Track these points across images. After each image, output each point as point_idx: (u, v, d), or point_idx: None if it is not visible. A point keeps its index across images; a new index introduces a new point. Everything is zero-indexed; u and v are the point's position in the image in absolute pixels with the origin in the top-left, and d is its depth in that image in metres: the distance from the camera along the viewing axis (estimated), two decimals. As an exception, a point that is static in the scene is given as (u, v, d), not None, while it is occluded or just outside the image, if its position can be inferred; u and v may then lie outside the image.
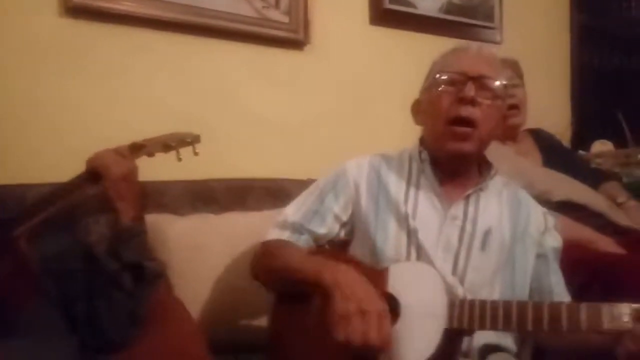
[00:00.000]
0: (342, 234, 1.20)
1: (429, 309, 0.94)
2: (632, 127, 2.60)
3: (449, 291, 0.98)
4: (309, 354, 1.01)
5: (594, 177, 1.95)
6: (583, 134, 2.82)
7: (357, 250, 1.17)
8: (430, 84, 1.18)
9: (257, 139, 1.80)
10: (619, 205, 1.82)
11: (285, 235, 1.17)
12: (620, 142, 2.61)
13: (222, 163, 1.67)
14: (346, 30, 2.03)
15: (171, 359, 0.97)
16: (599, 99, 2.91)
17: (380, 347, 0.89)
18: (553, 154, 1.94)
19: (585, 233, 1.62)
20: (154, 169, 1.47)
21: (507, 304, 0.91)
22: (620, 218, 1.72)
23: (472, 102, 1.09)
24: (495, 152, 1.84)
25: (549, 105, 2.76)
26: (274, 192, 1.63)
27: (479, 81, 1.10)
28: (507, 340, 1.11)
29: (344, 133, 1.96)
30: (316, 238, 1.18)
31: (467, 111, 1.09)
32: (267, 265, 1.15)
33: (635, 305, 0.82)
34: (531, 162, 1.89)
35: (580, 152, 2.61)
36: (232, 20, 1.74)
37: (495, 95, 1.12)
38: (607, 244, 1.57)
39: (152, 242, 1.31)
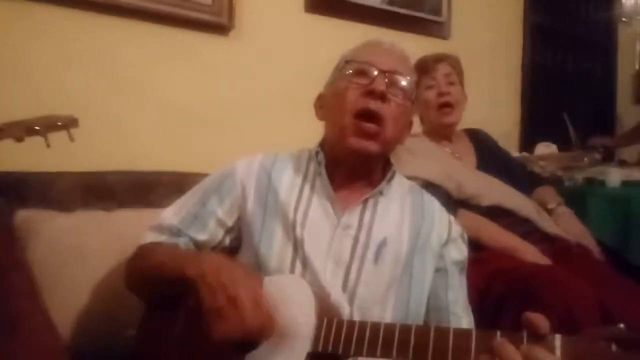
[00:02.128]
0: (227, 241, 1.08)
1: (295, 329, 0.84)
2: (579, 129, 2.56)
3: (327, 310, 0.88)
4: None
5: (528, 181, 1.90)
6: (531, 135, 2.79)
7: (242, 259, 1.05)
8: (337, 76, 1.07)
9: (168, 129, 1.67)
10: (549, 211, 1.76)
11: (162, 238, 1.06)
12: (566, 144, 2.57)
13: (126, 154, 1.55)
14: (277, 17, 1.91)
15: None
16: (548, 100, 2.88)
17: (261, 331, 0.80)
18: (488, 156, 1.87)
19: (510, 241, 1.56)
20: (40, 159, 1.35)
21: (374, 326, 0.80)
22: (549, 225, 1.66)
23: (382, 96, 0.99)
24: (427, 152, 1.77)
25: (498, 104, 2.71)
26: (184, 188, 1.49)
27: (391, 76, 1.01)
28: None
29: (269, 126, 1.84)
30: (197, 244, 1.06)
31: (375, 105, 0.99)
32: (137, 268, 1.02)
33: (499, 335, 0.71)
34: (465, 164, 1.81)
35: (525, 154, 2.56)
36: (146, -1, 1.59)
37: (405, 94, 1.04)
38: (530, 253, 1.51)
39: (24, 241, 1.18)
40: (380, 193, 1.07)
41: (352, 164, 1.06)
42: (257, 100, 1.83)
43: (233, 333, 0.78)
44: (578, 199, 2.04)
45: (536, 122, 2.82)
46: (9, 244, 1.13)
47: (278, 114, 1.87)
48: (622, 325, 0.67)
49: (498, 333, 0.71)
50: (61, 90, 1.45)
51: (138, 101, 1.61)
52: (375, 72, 1.00)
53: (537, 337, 0.68)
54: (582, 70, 3.21)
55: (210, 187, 1.09)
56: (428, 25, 2.39)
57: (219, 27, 1.75)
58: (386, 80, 1.00)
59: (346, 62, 1.06)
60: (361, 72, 1.02)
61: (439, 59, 1.83)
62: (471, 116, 1.96)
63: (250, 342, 0.81)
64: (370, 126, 0.99)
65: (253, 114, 1.83)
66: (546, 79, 2.95)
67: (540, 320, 0.68)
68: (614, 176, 2.17)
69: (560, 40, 3.10)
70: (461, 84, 1.86)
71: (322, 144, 1.10)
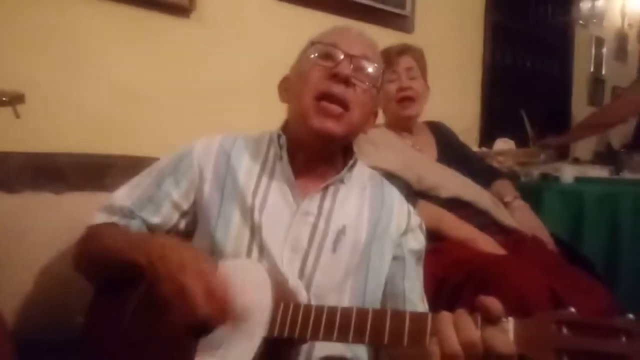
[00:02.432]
0: (182, 224, 1.05)
1: (250, 313, 0.81)
2: (535, 127, 2.63)
3: (284, 295, 0.86)
4: (130, 348, 0.87)
5: (487, 174, 1.93)
6: (490, 130, 2.84)
7: (197, 244, 1.01)
8: (302, 58, 1.05)
9: (123, 112, 1.60)
10: (506, 204, 1.80)
11: (113, 219, 1.02)
12: (524, 141, 2.63)
13: (78, 135, 1.48)
14: (241, 1, 1.87)
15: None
16: (507, 97, 2.95)
17: (213, 318, 0.77)
18: (449, 148, 1.89)
19: (468, 232, 1.58)
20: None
21: (330, 310, 0.79)
22: (505, 217, 1.70)
23: (347, 81, 0.97)
24: (388, 143, 1.78)
25: (458, 100, 2.75)
26: (138, 172, 1.44)
27: (357, 61, 0.99)
28: (358, 351, 1.00)
29: (226, 113, 1.81)
30: (150, 227, 1.03)
31: (339, 89, 0.97)
32: (86, 250, 0.98)
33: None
34: (426, 156, 1.82)
35: (484, 149, 2.61)
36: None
37: (371, 81, 1.01)
38: (487, 243, 1.53)
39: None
40: (341, 181, 1.05)
41: (313, 148, 1.03)
42: (215, 86, 1.79)
43: (183, 322, 0.75)
44: (533, 193, 2.09)
45: (495, 119, 2.88)
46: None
47: (236, 101, 1.84)
48: (572, 310, 0.68)
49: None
50: (8, 65, 1.37)
51: (92, 81, 1.54)
52: (341, 56, 0.98)
53: (490, 320, 0.69)
54: (539, 69, 3.31)
55: (166, 168, 1.05)
56: (392, 18, 2.40)
57: (180, 9, 1.70)
58: (352, 64, 0.98)
59: (312, 43, 1.03)
60: (327, 55, 1.00)
61: (402, 51, 1.84)
62: (432, 111, 1.97)
63: (202, 328, 0.79)
64: (333, 107, 0.97)
65: (210, 100, 1.78)
66: (505, 76, 3.02)
67: (493, 303, 0.69)
68: (568, 172, 2.24)
69: (519, 40, 3.18)
70: (424, 77, 1.87)
71: (284, 128, 1.07)
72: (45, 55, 1.45)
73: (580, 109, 3.66)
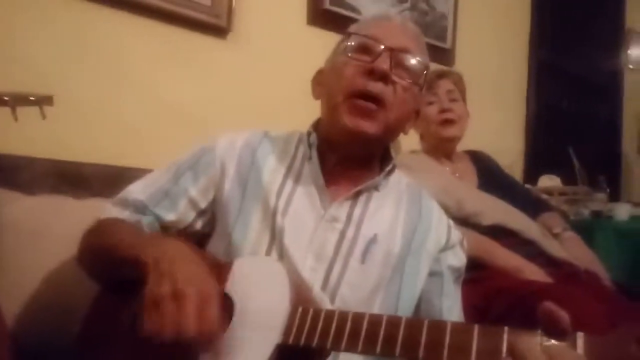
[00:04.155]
0: (199, 224, 0.97)
1: (266, 317, 0.72)
2: (582, 167, 2.50)
3: (302, 299, 0.76)
4: (120, 354, 0.78)
5: (533, 206, 1.79)
6: (534, 168, 2.71)
7: (214, 246, 0.94)
8: (337, 51, 0.97)
9: (155, 127, 1.57)
10: (555, 235, 1.65)
11: (125, 214, 0.94)
12: (569, 180, 2.49)
13: (105, 147, 1.46)
14: (278, 25, 1.87)
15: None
16: (552, 135, 2.83)
17: (198, 339, 0.66)
18: (491, 177, 1.78)
19: (514, 261, 1.45)
20: (15, 142, 1.27)
21: (356, 317, 0.68)
22: (554, 248, 1.55)
23: (385, 77, 0.88)
24: (424, 167, 1.68)
25: (501, 135, 2.65)
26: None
27: (397, 55, 0.90)
28: None
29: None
30: (164, 225, 0.95)
31: (376, 87, 0.88)
32: (90, 244, 0.91)
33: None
34: (466, 184, 1.72)
35: (528, 186, 2.47)
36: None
37: (413, 77, 0.92)
38: (535, 274, 1.39)
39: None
40: (376, 188, 0.96)
41: (346, 149, 0.95)
42: (249, 106, 1.76)
43: (163, 333, 0.65)
44: (585, 232, 1.93)
45: (539, 156, 2.75)
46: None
47: (271, 121, 1.78)
48: None
49: (505, 329, 0.59)
50: (41, 69, 1.36)
51: (126, 94, 1.52)
52: (380, 49, 0.89)
53: (556, 334, 0.55)
54: (586, 109, 3.18)
55: (186, 163, 0.98)
56: (432, 50, 2.32)
57: (217, 29, 1.70)
58: (391, 59, 0.89)
59: (349, 34, 0.95)
60: (364, 48, 0.91)
61: (442, 74, 1.78)
62: (472, 146, 1.89)
63: (185, 349, 0.68)
64: (368, 104, 0.88)
65: (244, 119, 1.75)
66: (550, 114, 2.92)
67: (560, 312, 0.56)
68: (623, 210, 2.08)
69: (565, 79, 3.08)
70: (464, 100, 1.80)
71: (316, 126, 1.00)
72: (80, 63, 1.45)
73: (631, 152, 3.48)
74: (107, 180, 1.35)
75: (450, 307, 0.97)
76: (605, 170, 2.79)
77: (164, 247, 0.74)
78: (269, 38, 1.84)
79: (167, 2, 1.58)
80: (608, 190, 2.50)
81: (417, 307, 0.96)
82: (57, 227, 1.12)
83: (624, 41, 3.52)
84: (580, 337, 0.55)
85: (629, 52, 3.67)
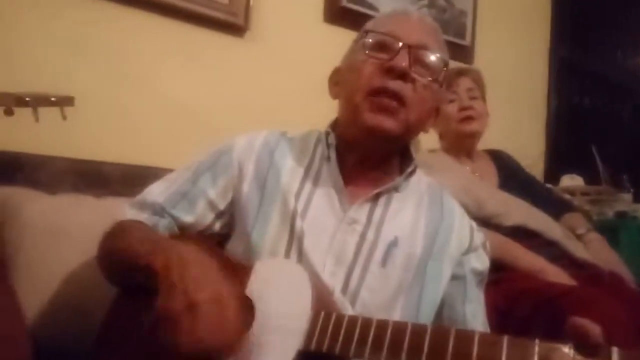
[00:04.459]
0: (217, 226, 0.96)
1: (287, 321, 0.71)
2: (606, 166, 2.44)
3: (324, 303, 0.74)
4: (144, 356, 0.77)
5: (556, 206, 1.75)
6: (556, 167, 2.66)
7: (233, 247, 0.93)
8: (355, 48, 0.95)
9: (171, 126, 1.57)
10: (579, 237, 1.61)
11: (143, 216, 0.94)
12: (592, 179, 2.44)
13: (124, 145, 1.46)
14: (295, 24, 1.86)
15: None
16: (573, 133, 2.77)
17: (217, 349, 0.64)
18: (512, 177, 1.75)
19: (535, 262, 1.41)
20: (36, 141, 1.27)
21: (381, 324, 0.66)
22: (578, 250, 1.51)
23: (404, 75, 0.86)
24: (444, 166, 1.66)
25: (521, 134, 2.60)
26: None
27: (416, 52, 0.88)
28: None
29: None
30: (182, 227, 0.94)
31: (395, 85, 0.86)
32: (108, 248, 0.90)
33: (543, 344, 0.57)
34: (486, 184, 1.69)
35: (549, 186, 2.42)
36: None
37: (433, 74, 0.90)
38: (557, 275, 1.36)
39: (3, 218, 1.08)
40: (396, 189, 0.94)
41: (366, 148, 0.93)
42: (266, 105, 1.75)
43: (180, 347, 0.63)
44: (609, 233, 1.89)
45: (561, 155, 2.70)
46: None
47: (288, 120, 1.77)
48: None
49: (537, 342, 0.57)
50: (60, 70, 1.37)
51: (143, 94, 1.53)
52: (399, 46, 0.87)
53: (588, 348, 0.54)
54: (608, 109, 3.12)
55: (204, 164, 0.98)
56: (451, 48, 2.29)
57: (234, 28, 1.70)
58: (410, 56, 0.87)
59: (366, 32, 0.93)
60: (382, 45, 0.89)
61: (461, 72, 1.75)
62: (492, 145, 1.85)
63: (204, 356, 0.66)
64: (388, 101, 0.86)
65: (261, 119, 1.73)
66: (572, 113, 2.86)
67: (590, 326, 0.54)
68: (648, 210, 2.02)
69: (587, 77, 3.02)
70: (483, 98, 1.77)
71: (334, 126, 0.98)
72: (98, 64, 1.45)
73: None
74: (127, 179, 1.36)
75: (474, 313, 0.94)
76: (628, 169, 2.73)
77: (173, 252, 0.72)
78: (286, 36, 1.83)
79: (184, 1, 1.58)
80: (632, 190, 2.44)
81: (440, 312, 0.94)
82: (78, 226, 1.12)
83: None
84: (615, 352, 0.53)
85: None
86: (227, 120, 1.67)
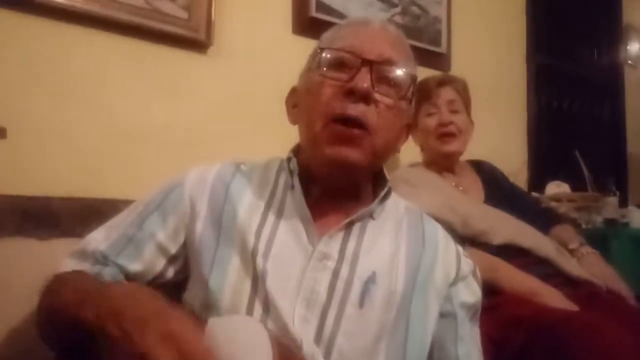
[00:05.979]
0: (171, 272, 0.84)
1: None
2: (590, 170, 2.38)
3: None
4: None
5: (544, 219, 1.67)
6: (540, 175, 2.60)
7: (191, 295, 0.81)
8: (311, 66, 0.85)
9: (128, 152, 1.44)
10: (571, 252, 1.52)
11: (83, 266, 0.81)
12: (577, 184, 2.37)
13: (70, 176, 1.33)
14: (262, 37, 1.75)
15: None
16: (556, 139, 2.73)
17: None
18: (497, 189, 1.66)
19: (529, 284, 1.32)
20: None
21: None
22: (572, 267, 1.42)
23: (366, 97, 0.77)
24: (426, 182, 1.56)
25: (503, 143, 2.52)
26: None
27: (379, 68, 0.78)
28: None
29: (244, 149, 1.63)
30: (129, 277, 0.82)
31: (356, 110, 0.77)
32: (42, 307, 0.76)
33: None
34: (471, 198, 1.59)
35: (535, 194, 2.34)
36: (110, 7, 1.42)
37: (399, 91, 0.80)
38: (553, 297, 1.26)
39: None
40: (370, 216, 0.84)
41: (331, 182, 0.83)
42: (234, 125, 1.64)
43: None
44: (599, 242, 1.81)
45: (544, 162, 2.64)
46: None
47: (254, 139, 1.67)
48: None
49: None
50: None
51: (95, 119, 1.39)
52: (359, 63, 0.78)
53: None
54: (588, 111, 3.08)
55: (152, 202, 0.85)
56: (427, 55, 2.23)
57: (196, 44, 1.58)
58: (372, 73, 0.77)
59: (321, 49, 0.82)
60: (340, 63, 0.79)
61: (442, 82, 1.65)
62: (474, 155, 1.76)
63: None
64: (350, 131, 0.77)
65: (228, 140, 1.62)
66: (552, 118, 2.82)
67: None
68: (639, 216, 1.95)
69: (565, 81, 2.98)
70: (467, 110, 1.67)
71: (297, 151, 0.88)
72: (36, 87, 1.31)
73: (637, 150, 3.37)
74: (79, 215, 1.23)
75: (468, 354, 0.84)
76: (612, 172, 2.68)
77: (106, 299, 0.60)
78: (253, 50, 1.72)
79: (138, 17, 1.46)
80: (617, 193, 2.38)
81: (430, 355, 0.83)
82: (12, 275, 0.98)
83: (623, 37, 3.43)
84: None
85: (628, 48, 3.59)
86: (192, 143, 1.55)
